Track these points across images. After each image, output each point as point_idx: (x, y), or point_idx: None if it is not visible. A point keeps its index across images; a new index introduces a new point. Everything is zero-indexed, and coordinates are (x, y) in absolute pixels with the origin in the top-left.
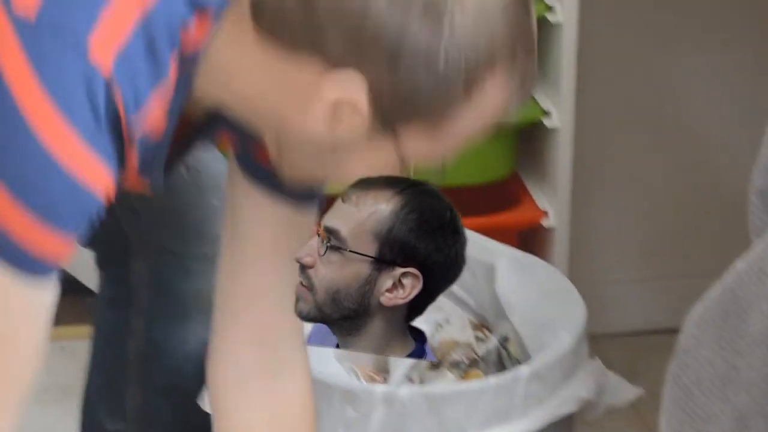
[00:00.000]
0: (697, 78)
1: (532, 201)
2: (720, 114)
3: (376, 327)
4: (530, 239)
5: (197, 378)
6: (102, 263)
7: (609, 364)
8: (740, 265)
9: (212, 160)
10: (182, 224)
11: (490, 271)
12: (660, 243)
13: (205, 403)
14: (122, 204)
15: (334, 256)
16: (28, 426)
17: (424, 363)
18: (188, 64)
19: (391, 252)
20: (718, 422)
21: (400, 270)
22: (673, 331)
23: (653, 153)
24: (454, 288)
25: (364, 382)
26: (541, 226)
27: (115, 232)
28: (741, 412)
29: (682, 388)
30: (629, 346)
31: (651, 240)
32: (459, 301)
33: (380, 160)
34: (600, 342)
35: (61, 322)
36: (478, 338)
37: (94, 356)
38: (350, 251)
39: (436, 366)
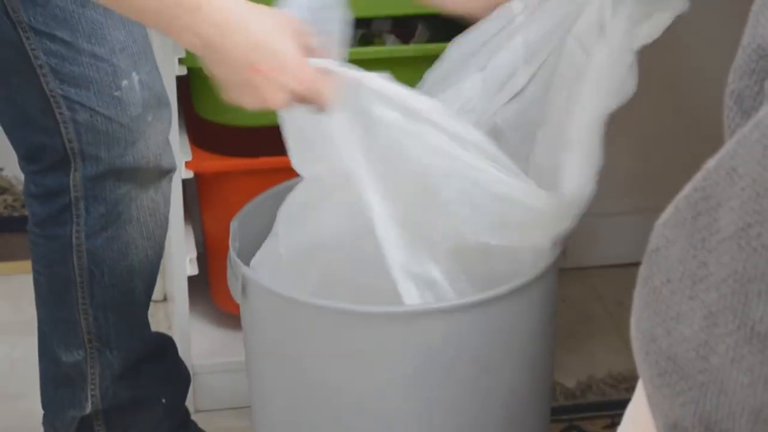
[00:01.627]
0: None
1: None
2: (711, 44)
3: None
4: None
5: (145, 291)
6: (40, 180)
7: (597, 296)
8: (710, 163)
9: (158, 77)
10: (116, 136)
11: None
12: (648, 174)
13: None
14: (62, 113)
15: None
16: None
17: None
18: None
19: None
20: (688, 320)
21: None
22: None
23: (642, 84)
24: None
25: None
26: None
27: (58, 147)
28: (710, 310)
29: (652, 289)
30: (617, 277)
31: (639, 171)
32: None
33: None
34: (588, 273)
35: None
36: None
37: (38, 285)
38: None
39: None
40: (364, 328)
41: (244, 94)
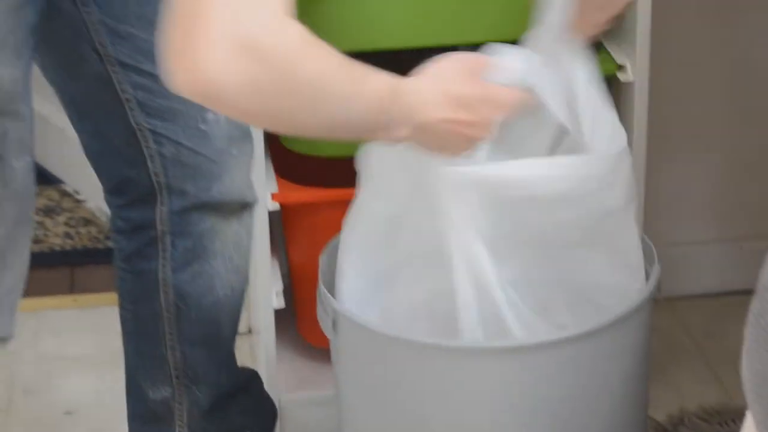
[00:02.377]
0: None
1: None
2: None
3: None
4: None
5: (232, 325)
6: (126, 214)
7: (685, 327)
8: None
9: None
10: (202, 169)
11: None
12: (737, 202)
13: None
14: (148, 146)
15: None
16: (84, 390)
17: None
18: None
19: None
20: None
21: None
22: (750, 292)
23: (729, 110)
24: None
25: None
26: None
27: (144, 180)
28: None
29: (765, 327)
30: (706, 308)
31: (728, 199)
32: None
33: None
34: (676, 304)
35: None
36: None
37: (125, 321)
38: None
39: None
40: (458, 364)
41: (455, 147)
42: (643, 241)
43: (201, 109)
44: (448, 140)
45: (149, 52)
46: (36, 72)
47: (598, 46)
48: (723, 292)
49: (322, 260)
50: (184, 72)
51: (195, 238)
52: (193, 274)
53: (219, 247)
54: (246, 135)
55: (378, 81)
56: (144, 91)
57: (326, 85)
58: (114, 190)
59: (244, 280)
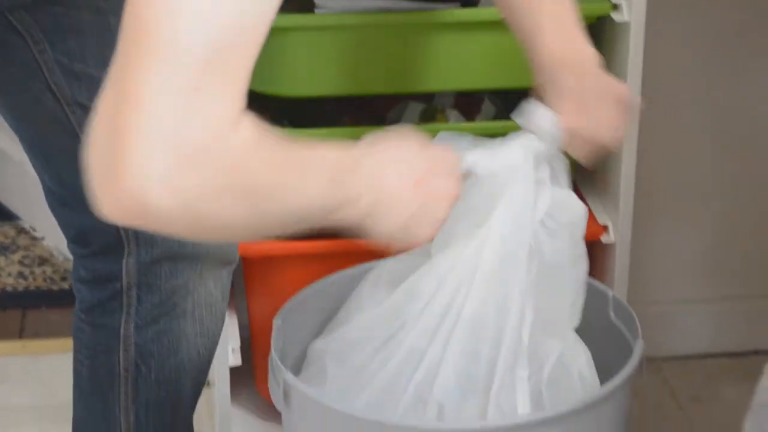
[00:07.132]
0: None
1: (592, 215)
2: None
3: None
4: (589, 256)
5: (193, 392)
6: (90, 264)
7: (672, 388)
8: None
9: None
10: None
11: None
12: (726, 262)
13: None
14: None
15: None
16: None
17: None
18: None
19: None
20: None
21: None
22: (739, 355)
23: (720, 167)
24: None
25: None
26: (600, 242)
27: (109, 229)
28: None
29: None
30: (693, 369)
31: (716, 259)
32: None
33: None
34: (662, 365)
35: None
36: None
37: (78, 375)
38: None
39: None
40: None
41: (419, 224)
42: (627, 312)
43: None
44: (417, 214)
45: None
46: None
47: None
48: (711, 353)
49: (276, 324)
50: (113, 197)
51: (164, 294)
52: (157, 332)
53: (190, 307)
54: None
55: (324, 161)
56: None
57: (274, 191)
58: (77, 240)
59: (213, 345)
